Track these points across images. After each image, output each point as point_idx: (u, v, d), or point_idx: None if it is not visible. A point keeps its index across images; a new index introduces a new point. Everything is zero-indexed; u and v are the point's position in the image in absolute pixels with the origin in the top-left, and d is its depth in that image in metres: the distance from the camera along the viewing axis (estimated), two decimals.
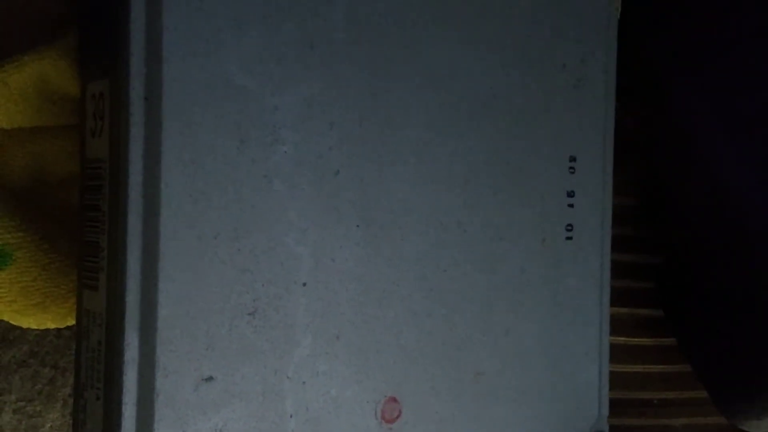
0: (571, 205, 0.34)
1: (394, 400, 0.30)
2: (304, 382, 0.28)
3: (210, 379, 0.27)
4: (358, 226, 0.29)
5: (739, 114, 0.37)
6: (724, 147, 0.37)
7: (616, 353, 0.40)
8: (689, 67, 0.38)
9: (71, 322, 0.31)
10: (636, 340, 0.42)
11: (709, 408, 0.40)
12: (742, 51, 0.38)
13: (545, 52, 0.33)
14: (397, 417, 0.30)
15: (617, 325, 0.40)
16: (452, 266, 0.31)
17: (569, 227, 0.34)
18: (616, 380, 0.38)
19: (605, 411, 0.35)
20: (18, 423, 0.34)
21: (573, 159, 0.34)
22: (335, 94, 0.28)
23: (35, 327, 0.31)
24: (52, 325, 0.31)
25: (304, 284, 0.28)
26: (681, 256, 0.41)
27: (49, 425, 0.35)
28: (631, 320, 0.42)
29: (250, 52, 0.27)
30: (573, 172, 0.34)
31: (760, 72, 0.38)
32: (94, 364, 0.27)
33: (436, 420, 0.31)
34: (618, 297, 0.38)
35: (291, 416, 0.28)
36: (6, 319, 0.31)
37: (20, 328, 0.33)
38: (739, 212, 0.36)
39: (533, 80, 0.33)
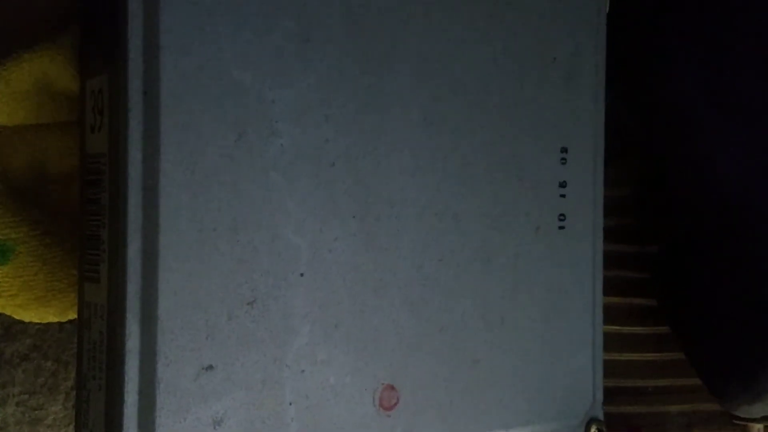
0: (563, 195, 0.34)
1: (392, 387, 0.30)
2: (303, 371, 0.29)
3: (210, 367, 0.27)
4: (354, 216, 0.29)
5: (736, 104, 0.38)
6: (722, 137, 0.37)
7: (611, 342, 0.40)
8: (686, 57, 0.38)
9: (73, 315, 0.31)
10: (629, 328, 0.43)
11: (703, 394, 0.41)
12: (737, 40, 0.38)
13: (536, 45, 0.33)
14: (395, 404, 0.30)
15: (611, 314, 0.40)
16: (448, 256, 0.31)
17: (562, 217, 0.34)
18: (611, 368, 0.38)
19: (600, 397, 0.35)
20: (21, 415, 0.35)
21: (564, 150, 0.34)
22: (331, 88, 0.29)
23: (37, 321, 0.32)
24: (53, 319, 0.32)
25: (302, 275, 0.29)
26: (678, 245, 0.42)
27: (51, 417, 0.35)
28: (625, 309, 0.43)
29: (247, 47, 0.27)
30: (564, 163, 0.34)
31: (753, 60, 0.38)
32: (95, 354, 0.28)
33: (433, 407, 0.31)
34: (611, 286, 0.39)
35: (290, 404, 0.28)
36: (8, 313, 0.31)
37: (22, 322, 0.33)
38: (734, 198, 0.37)
39: (525, 73, 0.33)
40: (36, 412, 0.35)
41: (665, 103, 0.39)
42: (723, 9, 0.38)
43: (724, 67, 0.38)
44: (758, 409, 0.38)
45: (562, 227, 0.34)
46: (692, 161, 0.38)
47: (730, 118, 0.37)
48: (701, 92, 0.38)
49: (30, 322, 0.33)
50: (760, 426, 0.43)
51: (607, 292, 0.36)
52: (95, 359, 0.28)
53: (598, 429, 0.35)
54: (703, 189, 0.38)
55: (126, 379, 0.26)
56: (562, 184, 0.34)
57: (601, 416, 0.35)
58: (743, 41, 0.38)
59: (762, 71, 0.38)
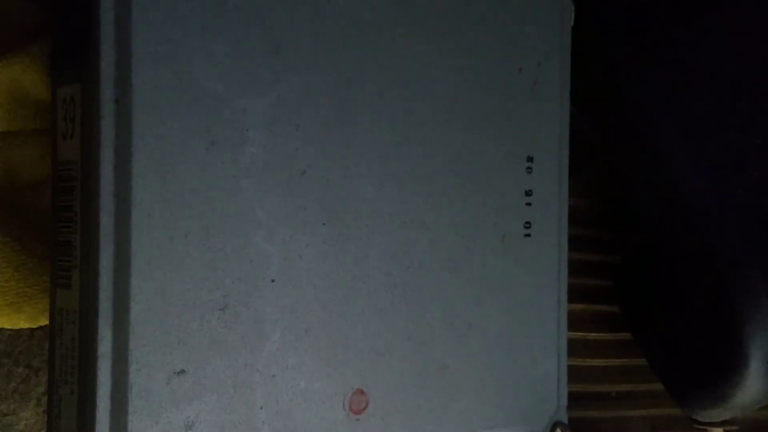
0: (529, 204, 0.35)
1: (361, 392, 0.31)
2: (273, 375, 0.29)
3: (182, 372, 0.27)
4: (324, 224, 0.30)
5: (694, 117, 0.38)
6: (680, 150, 0.38)
7: (575, 348, 0.41)
8: (646, 73, 0.39)
9: (44, 321, 0.32)
10: (594, 335, 0.44)
11: (665, 399, 0.42)
12: (696, 57, 0.39)
13: (503, 57, 0.34)
14: (364, 408, 0.31)
15: (576, 321, 0.41)
16: (416, 263, 0.32)
17: (527, 225, 0.35)
18: (575, 374, 0.39)
19: (564, 402, 0.36)
20: None
21: (530, 159, 0.35)
22: (301, 97, 0.29)
23: (8, 327, 0.32)
24: (25, 325, 0.32)
25: (273, 281, 0.29)
26: (639, 254, 0.43)
27: (23, 423, 0.35)
28: (589, 316, 0.44)
29: (219, 57, 0.28)
30: (530, 172, 0.35)
31: (712, 76, 0.39)
32: (68, 360, 0.28)
33: (401, 411, 0.32)
34: (576, 294, 0.40)
35: (261, 408, 0.29)
36: None
37: None
38: (694, 211, 0.38)
39: (492, 84, 0.34)
40: (7, 417, 0.35)
41: (626, 117, 0.40)
42: (687, 28, 0.39)
43: (685, 84, 0.39)
44: (718, 413, 0.39)
45: (527, 235, 0.35)
46: (652, 174, 0.39)
47: (690, 134, 0.38)
48: (662, 107, 0.39)
49: (1, 328, 0.33)
50: (719, 430, 0.44)
51: (571, 299, 0.37)
52: (67, 364, 0.28)
53: None
54: (664, 200, 0.39)
55: (98, 383, 0.26)
56: (528, 193, 0.35)
57: (565, 420, 0.36)
58: (705, 59, 0.39)
59: (722, 89, 0.39)
